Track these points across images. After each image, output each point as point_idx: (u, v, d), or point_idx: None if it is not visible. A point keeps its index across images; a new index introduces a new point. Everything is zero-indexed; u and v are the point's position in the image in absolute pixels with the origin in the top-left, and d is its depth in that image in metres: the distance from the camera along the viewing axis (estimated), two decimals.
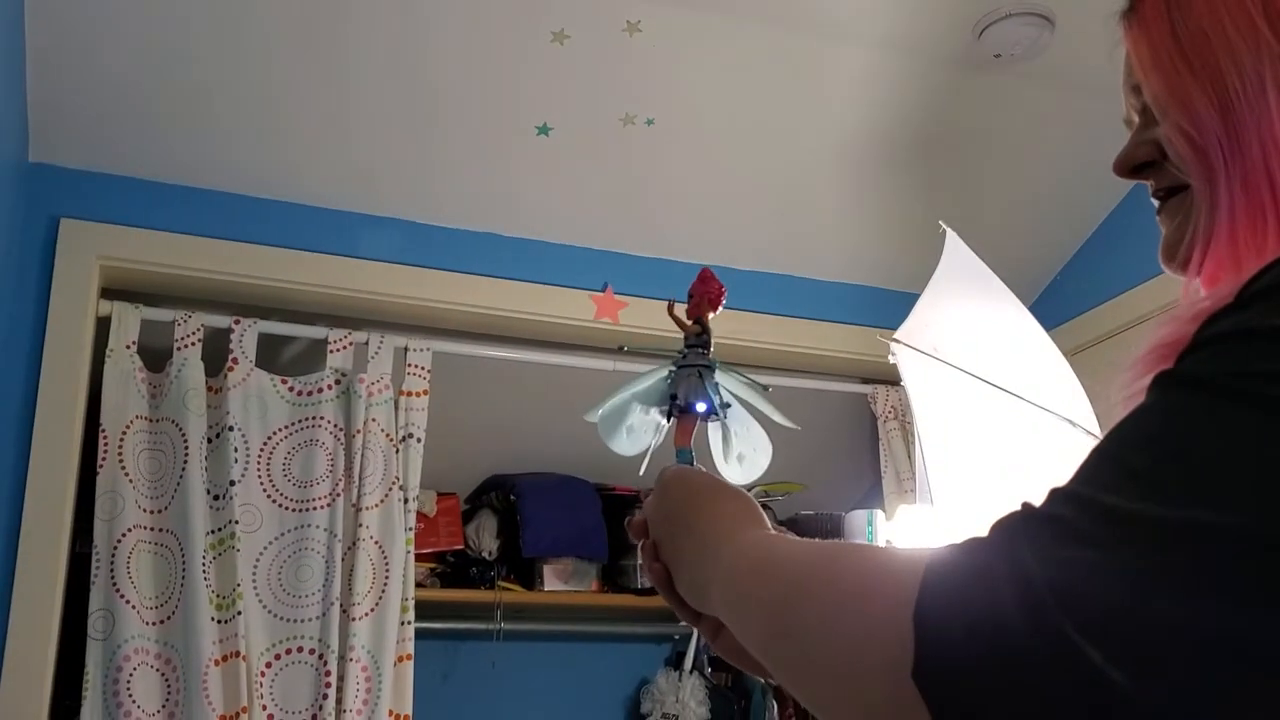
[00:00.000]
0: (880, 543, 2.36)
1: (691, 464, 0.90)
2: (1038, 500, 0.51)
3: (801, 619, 0.57)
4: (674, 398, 0.91)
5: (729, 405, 0.92)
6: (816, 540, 0.69)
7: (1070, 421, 1.74)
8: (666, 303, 0.93)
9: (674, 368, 0.92)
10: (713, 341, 0.92)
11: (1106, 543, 0.46)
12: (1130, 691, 0.43)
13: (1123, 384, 0.61)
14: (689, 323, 0.92)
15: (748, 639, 0.63)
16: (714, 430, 0.93)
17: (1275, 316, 0.49)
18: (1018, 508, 0.51)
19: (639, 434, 0.94)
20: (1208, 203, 0.65)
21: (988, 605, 0.47)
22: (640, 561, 0.88)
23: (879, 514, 2.40)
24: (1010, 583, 0.46)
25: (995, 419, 1.75)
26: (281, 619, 2.22)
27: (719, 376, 0.92)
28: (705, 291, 0.90)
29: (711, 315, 0.91)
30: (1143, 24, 0.69)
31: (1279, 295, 0.50)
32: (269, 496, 2.27)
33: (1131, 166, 0.73)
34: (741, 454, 0.94)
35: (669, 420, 0.93)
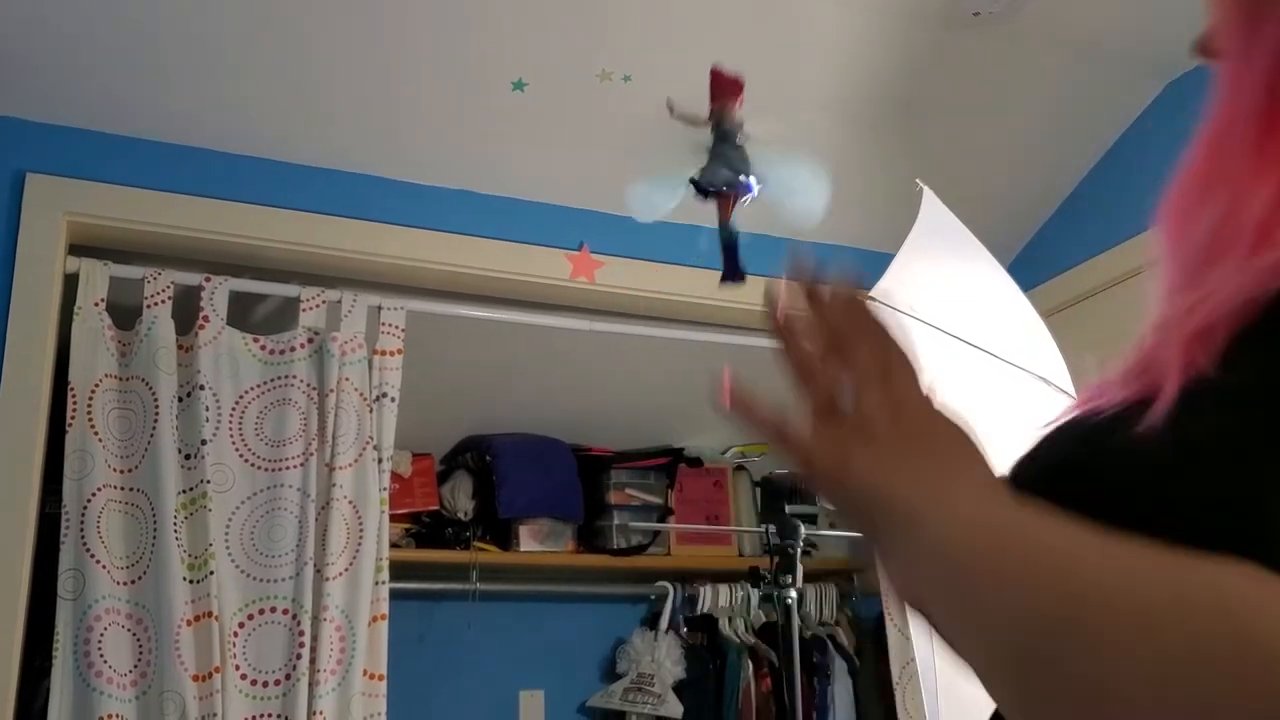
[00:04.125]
0: None
1: (736, 241, 0.95)
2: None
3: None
4: (705, 182, 0.95)
5: (751, 189, 0.94)
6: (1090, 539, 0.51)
7: (1045, 380, 1.74)
8: (666, 100, 0.95)
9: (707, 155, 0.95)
10: (735, 126, 0.94)
11: None
12: None
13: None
14: (704, 118, 0.93)
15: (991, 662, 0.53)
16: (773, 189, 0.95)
17: None
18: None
19: (658, 200, 0.96)
20: (1218, 94, 0.63)
21: None
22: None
23: None
24: None
25: (971, 378, 1.75)
26: (254, 579, 2.20)
27: (748, 152, 0.93)
28: (716, 85, 0.92)
29: (738, 107, 0.92)
30: None
31: None
32: (241, 456, 2.25)
33: (1204, 48, 0.69)
34: (794, 190, 0.97)
35: (698, 196, 0.96)
